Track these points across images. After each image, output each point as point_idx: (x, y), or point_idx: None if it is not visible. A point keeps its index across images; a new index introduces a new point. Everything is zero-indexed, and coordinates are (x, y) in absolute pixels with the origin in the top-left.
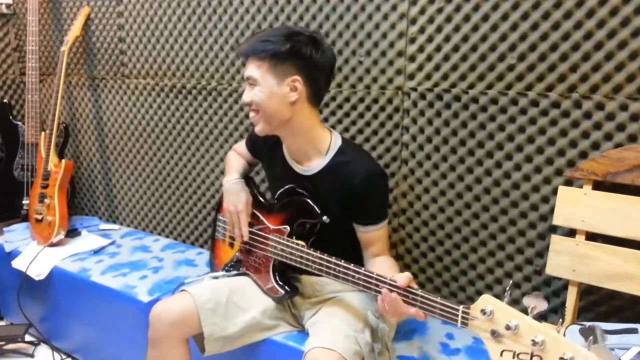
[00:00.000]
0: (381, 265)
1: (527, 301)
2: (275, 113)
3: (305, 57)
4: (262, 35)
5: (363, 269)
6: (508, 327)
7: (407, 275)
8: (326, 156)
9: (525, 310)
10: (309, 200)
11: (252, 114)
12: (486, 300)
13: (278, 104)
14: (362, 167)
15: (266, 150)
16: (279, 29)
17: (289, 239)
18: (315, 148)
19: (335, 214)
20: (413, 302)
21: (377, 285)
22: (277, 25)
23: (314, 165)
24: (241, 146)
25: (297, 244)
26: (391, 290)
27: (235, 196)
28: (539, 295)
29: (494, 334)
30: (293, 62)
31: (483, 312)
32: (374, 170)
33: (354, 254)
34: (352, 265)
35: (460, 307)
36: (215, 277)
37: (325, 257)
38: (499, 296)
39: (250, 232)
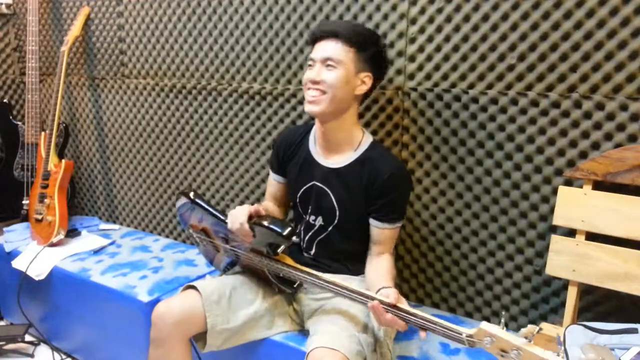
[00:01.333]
0: (377, 269)
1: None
2: (342, 100)
3: (383, 61)
4: (353, 24)
5: (353, 285)
6: (513, 355)
7: (394, 292)
8: (357, 150)
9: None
10: (270, 226)
11: (315, 93)
12: (484, 332)
13: (347, 93)
14: (392, 164)
15: (291, 150)
16: (364, 26)
17: (269, 257)
18: (350, 143)
19: (357, 206)
20: (419, 325)
21: (366, 300)
22: (348, 19)
23: (344, 158)
24: (268, 189)
25: (279, 261)
26: (387, 310)
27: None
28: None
29: (502, 355)
30: (374, 60)
31: (485, 341)
32: (403, 171)
33: (367, 245)
34: (338, 281)
35: (464, 335)
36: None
37: (312, 273)
38: (498, 296)
39: (231, 248)
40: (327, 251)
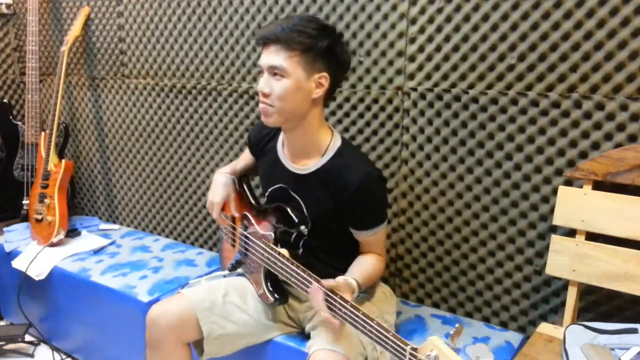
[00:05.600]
0: (354, 263)
1: (471, 351)
2: (296, 108)
3: (337, 55)
4: (294, 24)
5: (332, 291)
6: None
7: (339, 280)
8: (323, 157)
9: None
10: (288, 209)
11: (263, 105)
12: (432, 344)
13: (301, 99)
14: (359, 172)
15: (261, 147)
16: (311, 20)
17: (272, 246)
18: (317, 147)
19: (329, 212)
20: (369, 333)
21: (340, 309)
22: (300, 14)
23: (311, 164)
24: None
25: (279, 253)
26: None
27: (217, 187)
28: (482, 345)
29: None
30: (326, 59)
31: (428, 356)
32: (372, 176)
33: (345, 251)
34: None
35: (408, 348)
36: (212, 280)
37: (299, 271)
38: (499, 296)
39: (245, 236)
40: (310, 251)
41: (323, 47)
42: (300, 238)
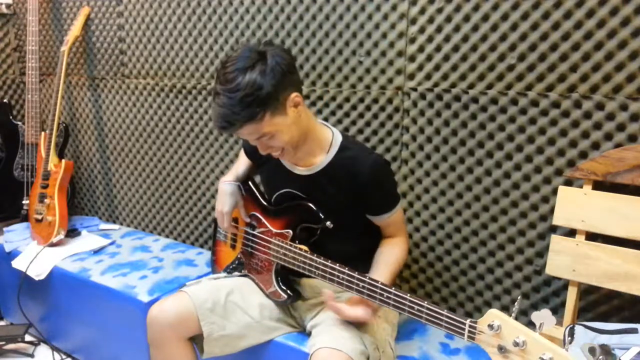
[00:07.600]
0: (384, 255)
1: (535, 317)
2: (296, 136)
3: (285, 72)
4: (237, 98)
5: (368, 276)
6: (516, 344)
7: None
8: (329, 153)
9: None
10: (311, 205)
11: (276, 154)
12: (493, 315)
13: (295, 128)
14: (367, 161)
15: (259, 156)
16: (245, 62)
17: (291, 243)
18: (319, 146)
19: (341, 208)
20: (418, 314)
21: (382, 295)
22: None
23: (317, 163)
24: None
25: (300, 249)
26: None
27: (224, 197)
28: (547, 311)
29: (501, 349)
30: (282, 86)
31: (490, 327)
32: (379, 162)
33: (361, 243)
34: (357, 273)
35: (467, 321)
36: (215, 279)
37: (329, 263)
38: (499, 296)
39: (253, 235)
40: (322, 254)
41: (274, 85)
42: (316, 232)
